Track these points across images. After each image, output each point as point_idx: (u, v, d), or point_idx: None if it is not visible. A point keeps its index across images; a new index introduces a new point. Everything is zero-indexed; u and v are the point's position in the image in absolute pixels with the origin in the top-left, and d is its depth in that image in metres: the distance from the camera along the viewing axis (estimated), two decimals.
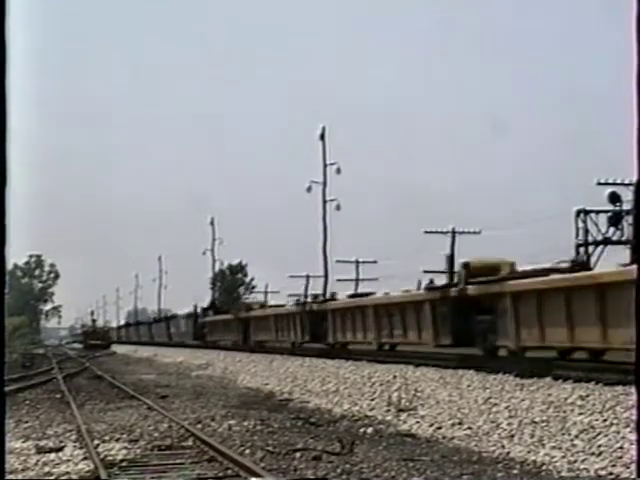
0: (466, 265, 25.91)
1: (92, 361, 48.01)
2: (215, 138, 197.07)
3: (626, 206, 24.91)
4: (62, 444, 12.80)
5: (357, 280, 60.28)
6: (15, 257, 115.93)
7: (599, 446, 10.89)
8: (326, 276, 52.47)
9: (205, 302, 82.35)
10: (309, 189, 52.36)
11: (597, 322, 18.56)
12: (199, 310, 69.55)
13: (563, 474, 9.88)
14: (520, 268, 24.43)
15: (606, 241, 26.36)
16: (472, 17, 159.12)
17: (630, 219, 24.65)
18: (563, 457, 10.58)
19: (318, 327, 38.48)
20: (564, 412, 13.44)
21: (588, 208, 25.24)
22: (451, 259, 31.18)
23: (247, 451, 11.75)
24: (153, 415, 16.62)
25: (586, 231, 24.36)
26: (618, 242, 26.16)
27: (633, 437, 10.02)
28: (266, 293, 67.29)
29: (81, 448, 12.35)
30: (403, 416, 15.36)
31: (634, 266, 22.10)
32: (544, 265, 22.85)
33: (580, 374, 16.92)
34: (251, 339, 50.23)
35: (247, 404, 18.93)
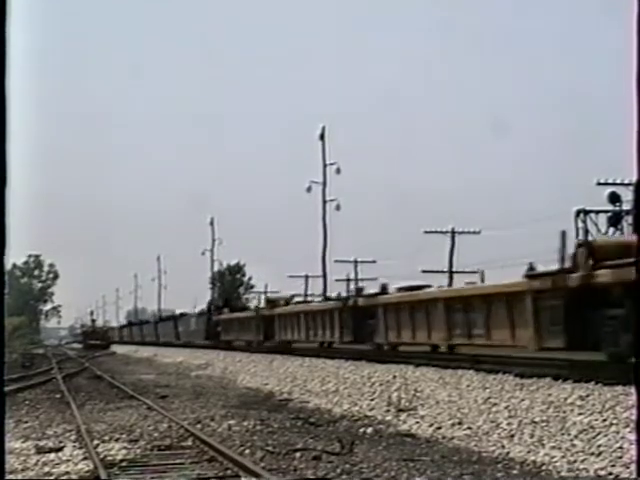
0: (587, 245, 20.58)
1: (92, 361, 48.01)
2: (215, 138, 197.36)
3: (626, 206, 24.91)
4: (62, 444, 12.80)
5: (357, 280, 60.31)
6: (14, 257, 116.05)
7: (599, 446, 10.89)
8: (325, 276, 52.55)
9: (205, 302, 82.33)
10: (309, 189, 52.46)
11: None
12: (210, 307, 66.30)
13: (563, 474, 9.88)
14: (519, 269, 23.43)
15: None
16: (472, 17, 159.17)
17: (630, 219, 24.64)
18: (563, 457, 10.58)
19: (363, 325, 33.40)
20: (564, 412, 13.44)
21: (588, 208, 25.23)
22: (450, 259, 31.16)
23: (247, 451, 11.75)
24: (153, 415, 16.62)
25: (586, 231, 24.33)
26: None
27: (633, 437, 10.02)
28: (266, 293, 67.32)
29: (81, 448, 12.34)
30: (403, 416, 15.36)
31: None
32: None
33: (580, 374, 16.90)
34: (275, 338, 45.87)
35: (247, 404, 18.93)
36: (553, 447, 11.20)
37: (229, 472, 10.13)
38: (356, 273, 65.45)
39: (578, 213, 25.57)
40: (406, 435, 13.34)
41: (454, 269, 51.32)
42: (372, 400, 18.00)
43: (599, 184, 27.42)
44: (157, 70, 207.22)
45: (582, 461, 10.32)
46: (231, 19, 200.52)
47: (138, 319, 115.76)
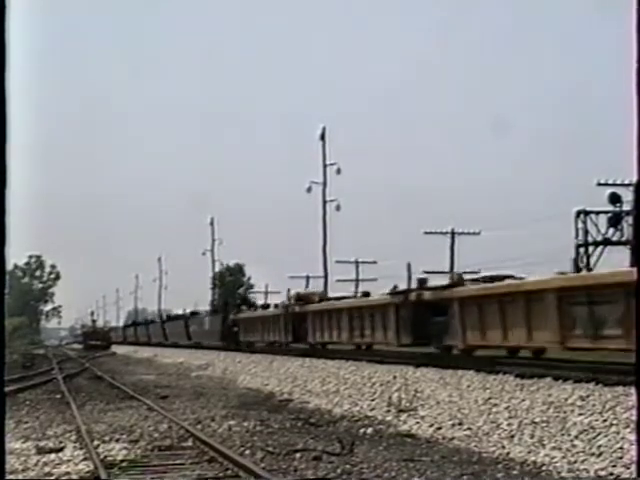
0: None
1: (92, 361, 48.02)
2: (215, 138, 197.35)
3: (626, 207, 24.92)
4: (62, 444, 12.80)
5: (357, 280, 60.33)
6: (15, 257, 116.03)
7: (599, 447, 10.89)
8: (326, 276, 52.54)
9: (206, 303, 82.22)
10: (309, 189, 52.44)
11: None
12: (227, 305, 62.06)
13: (563, 475, 9.88)
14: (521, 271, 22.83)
15: (606, 242, 26.38)
16: (472, 17, 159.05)
17: (630, 220, 24.65)
18: (563, 457, 10.58)
19: (427, 324, 27.23)
20: (564, 412, 13.44)
21: (588, 209, 25.26)
22: (451, 259, 30.86)
23: (247, 452, 11.75)
24: (153, 415, 16.62)
25: (586, 232, 24.36)
26: (618, 242, 26.19)
27: (633, 437, 10.02)
28: (266, 293, 67.33)
29: (81, 448, 12.34)
30: (403, 416, 15.36)
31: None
32: None
33: (580, 374, 16.89)
34: (307, 339, 39.74)
35: (247, 405, 18.93)
36: (553, 447, 11.20)
37: (229, 472, 10.13)
38: (357, 273, 65.49)
39: (578, 214, 25.60)
40: (406, 435, 13.33)
41: (454, 269, 51.42)
42: (372, 400, 18.00)
43: (599, 184, 27.44)
44: (157, 70, 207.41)
45: (582, 461, 10.31)
46: (231, 19, 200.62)
47: (144, 318, 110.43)
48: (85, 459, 11.42)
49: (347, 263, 64.90)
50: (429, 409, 15.82)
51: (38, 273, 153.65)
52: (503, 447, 11.62)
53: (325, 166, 51.66)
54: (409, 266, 51.67)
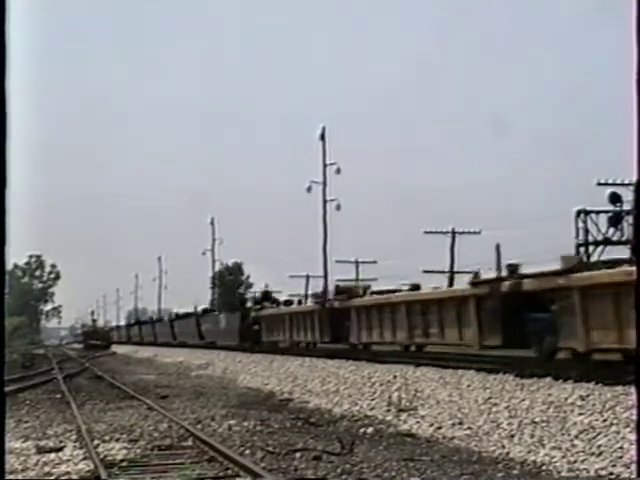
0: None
1: (92, 361, 48.03)
2: (215, 138, 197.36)
3: (626, 206, 24.92)
4: (62, 444, 12.80)
5: (357, 280, 60.30)
6: (15, 257, 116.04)
7: (599, 446, 10.89)
8: (326, 276, 52.47)
9: (205, 302, 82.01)
10: (309, 189, 52.32)
11: None
12: (244, 301, 56.97)
13: (563, 474, 9.89)
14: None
15: (606, 241, 26.39)
16: (472, 17, 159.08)
17: (630, 219, 24.65)
18: (563, 457, 10.58)
19: (523, 321, 21.34)
20: (564, 412, 13.44)
21: (588, 208, 25.25)
22: (451, 259, 30.72)
23: (247, 451, 11.75)
24: (153, 415, 16.62)
25: (586, 231, 24.36)
26: (618, 242, 26.19)
27: (633, 437, 10.03)
28: (266, 293, 67.19)
29: (81, 448, 12.35)
30: (403, 416, 15.36)
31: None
32: None
33: (580, 374, 16.88)
34: (349, 339, 34.50)
35: (247, 404, 18.93)
36: (553, 447, 11.20)
37: (229, 472, 10.13)
38: (357, 273, 65.47)
39: (578, 213, 25.59)
40: (406, 435, 13.34)
41: (454, 269, 51.47)
42: (372, 400, 18.00)
43: (599, 184, 27.42)
44: (157, 70, 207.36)
45: (582, 461, 10.32)
46: (231, 19, 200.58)
47: (149, 317, 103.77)
48: (85, 459, 11.42)
49: (347, 263, 64.87)
50: (429, 409, 15.83)
51: (38, 273, 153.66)
52: (503, 447, 11.63)
53: (325, 166, 51.59)
54: (498, 248, 38.73)
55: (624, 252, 24.54)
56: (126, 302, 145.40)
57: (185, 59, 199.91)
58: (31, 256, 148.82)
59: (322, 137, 51.31)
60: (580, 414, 13.11)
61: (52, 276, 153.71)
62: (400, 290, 32.25)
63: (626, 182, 25.95)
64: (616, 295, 17.87)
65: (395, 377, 21.21)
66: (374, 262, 64.26)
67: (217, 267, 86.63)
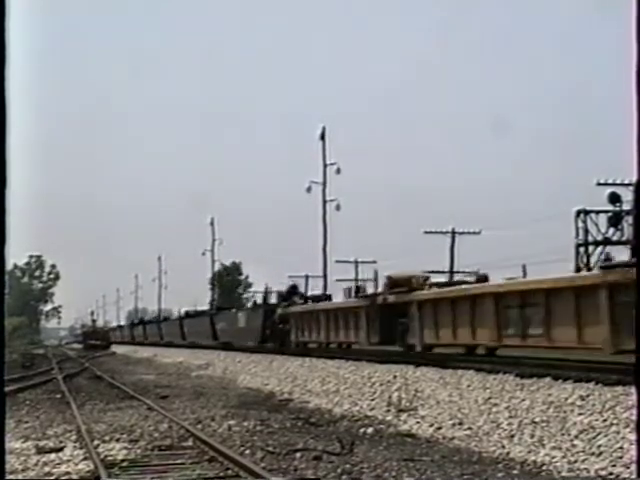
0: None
1: (92, 361, 48.02)
2: (215, 138, 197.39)
3: (626, 206, 24.92)
4: (62, 444, 12.79)
5: (357, 280, 60.28)
6: (15, 257, 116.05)
7: (599, 446, 10.89)
8: (325, 276, 52.48)
9: (205, 302, 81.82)
10: (309, 189, 52.36)
11: None
12: (266, 297, 51.26)
13: (563, 474, 9.88)
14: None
15: (606, 241, 26.38)
16: (472, 17, 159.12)
17: (630, 219, 24.65)
18: (563, 457, 10.58)
19: None
20: (564, 412, 13.44)
21: (588, 208, 25.25)
22: (451, 259, 30.47)
23: (247, 451, 11.75)
24: (153, 415, 16.62)
25: (586, 231, 24.36)
26: (618, 242, 26.19)
27: (633, 437, 10.02)
28: (266, 293, 67.16)
29: (81, 448, 12.34)
30: (403, 416, 15.36)
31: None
32: None
33: (580, 374, 16.88)
34: (407, 340, 28.65)
35: (247, 404, 18.93)
36: (553, 447, 11.20)
37: (229, 472, 10.13)
38: (357, 273, 65.46)
39: (578, 213, 25.59)
40: (406, 435, 13.33)
41: (454, 269, 51.45)
42: (372, 400, 18.00)
43: (599, 184, 27.41)
44: (157, 70, 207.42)
45: (582, 461, 10.32)
46: (231, 18, 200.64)
47: (154, 316, 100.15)
48: (85, 459, 11.42)
49: (347, 263, 64.89)
50: (429, 409, 15.82)
51: (38, 273, 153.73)
52: (503, 447, 11.62)
53: (325, 166, 51.63)
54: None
55: (624, 252, 24.54)
56: (126, 302, 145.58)
57: (185, 59, 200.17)
58: (31, 256, 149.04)
59: (322, 137, 51.34)
60: (580, 414, 13.11)
61: (52, 276, 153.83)
62: (465, 282, 27.93)
63: (626, 182, 25.93)
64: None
65: (395, 377, 21.21)
66: (374, 262, 64.20)
67: (217, 267, 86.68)
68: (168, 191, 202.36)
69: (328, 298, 42.79)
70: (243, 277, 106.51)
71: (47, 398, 21.91)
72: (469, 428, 13.39)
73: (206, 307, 75.79)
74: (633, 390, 12.86)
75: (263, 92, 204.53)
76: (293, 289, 48.21)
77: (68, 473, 10.54)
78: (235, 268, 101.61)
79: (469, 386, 18.09)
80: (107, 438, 13.33)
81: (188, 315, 72.51)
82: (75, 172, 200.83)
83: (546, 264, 22.95)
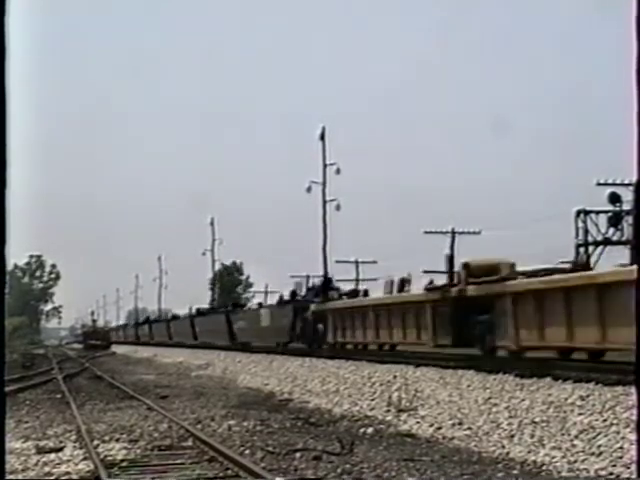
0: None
1: (92, 361, 48.03)
2: (215, 138, 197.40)
3: (626, 206, 24.92)
4: (62, 444, 12.80)
5: (357, 280, 60.25)
6: (15, 257, 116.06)
7: (599, 446, 10.89)
8: (325, 276, 52.48)
9: (205, 302, 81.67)
10: (309, 189, 52.29)
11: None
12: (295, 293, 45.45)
13: (563, 474, 9.88)
14: None
15: (606, 241, 26.39)
16: (472, 17, 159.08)
17: (630, 219, 24.65)
18: (563, 457, 10.58)
19: None
20: (564, 412, 13.44)
21: (588, 208, 25.24)
22: (451, 259, 30.21)
23: (247, 451, 11.75)
24: (153, 415, 16.62)
25: (586, 231, 24.35)
26: (618, 242, 26.20)
27: (633, 437, 10.02)
28: (266, 293, 67.14)
29: (81, 448, 12.34)
30: (403, 416, 15.36)
31: (634, 266, 18.18)
32: None
33: (580, 374, 16.88)
34: (490, 342, 23.62)
35: (247, 404, 18.93)
36: (553, 447, 11.20)
37: (229, 472, 10.13)
38: (357, 273, 65.41)
39: (578, 213, 25.57)
40: (406, 435, 13.33)
41: (454, 269, 51.31)
42: (372, 400, 17.99)
43: (599, 184, 27.41)
44: (157, 70, 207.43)
45: (582, 461, 10.31)
46: (231, 18, 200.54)
47: (162, 315, 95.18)
48: (85, 459, 11.42)
49: (347, 263, 64.81)
50: (429, 409, 15.82)
51: (38, 273, 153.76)
52: (503, 447, 11.62)
53: (325, 166, 51.56)
54: None
55: (624, 252, 24.56)
56: (126, 302, 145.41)
57: (185, 59, 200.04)
58: (31, 256, 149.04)
59: (322, 137, 51.29)
60: (580, 414, 13.11)
61: (52, 276, 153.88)
62: (558, 269, 22.80)
63: (626, 182, 25.94)
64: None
65: (395, 377, 21.21)
66: (374, 262, 64.19)
67: (217, 267, 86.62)
68: (168, 191, 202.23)
69: (365, 293, 38.87)
70: (244, 277, 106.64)
71: (47, 398, 21.91)
72: (469, 428, 13.39)
73: (206, 307, 75.32)
74: (633, 390, 12.85)
75: (263, 92, 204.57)
76: (327, 282, 42.54)
77: (68, 473, 10.54)
78: (236, 268, 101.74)
79: (469, 386, 18.09)
80: (107, 438, 13.33)
81: (200, 313, 68.04)
82: (75, 172, 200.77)
83: (546, 264, 22.90)
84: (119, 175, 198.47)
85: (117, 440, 13.16)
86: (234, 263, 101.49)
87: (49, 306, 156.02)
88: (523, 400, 15.11)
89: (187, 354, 49.78)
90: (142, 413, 17.14)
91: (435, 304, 26.59)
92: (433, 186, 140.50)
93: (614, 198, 25.65)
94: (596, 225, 25.94)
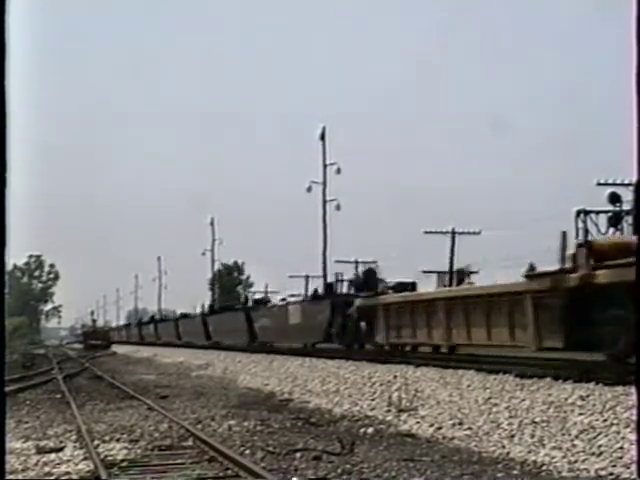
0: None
1: (92, 361, 48.03)
2: (215, 138, 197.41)
3: (626, 206, 24.90)
4: (62, 444, 12.79)
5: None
6: (15, 257, 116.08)
7: (599, 446, 10.88)
8: (325, 276, 52.47)
9: (206, 302, 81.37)
10: (309, 189, 52.39)
11: None
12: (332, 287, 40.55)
13: (563, 474, 9.88)
14: None
15: None
16: (472, 17, 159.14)
17: (630, 219, 24.62)
18: (563, 457, 10.57)
19: None
20: (564, 412, 13.44)
21: (588, 208, 25.20)
22: (451, 259, 30.08)
23: (247, 451, 11.75)
24: (153, 415, 16.61)
25: (586, 231, 24.30)
26: None
27: (633, 437, 10.03)
28: (266, 293, 67.14)
29: (81, 448, 12.34)
30: (403, 416, 15.35)
31: None
32: None
33: (580, 374, 16.87)
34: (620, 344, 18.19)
35: (247, 404, 18.93)
36: (553, 447, 11.20)
37: (229, 472, 10.13)
38: (357, 273, 65.38)
39: (578, 213, 25.55)
40: (407, 435, 13.33)
41: (454, 269, 51.42)
42: (373, 400, 17.99)
43: (599, 184, 27.39)
44: (157, 70, 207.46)
45: (583, 461, 10.31)
46: (231, 18, 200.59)
47: (182, 313, 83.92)
48: (85, 459, 11.41)
49: (347, 263, 64.80)
50: (429, 409, 15.82)
51: (38, 273, 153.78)
52: (503, 447, 11.62)
53: (325, 166, 51.67)
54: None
55: None
56: (126, 302, 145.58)
57: (185, 59, 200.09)
58: (31, 256, 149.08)
59: (322, 137, 51.37)
60: (580, 414, 13.11)
61: (51, 276, 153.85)
62: None
63: (626, 182, 25.92)
64: None
65: (395, 377, 21.21)
66: (374, 262, 64.17)
67: (217, 267, 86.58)
68: (168, 191, 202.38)
69: (413, 287, 34.81)
70: (244, 277, 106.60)
71: (47, 398, 21.90)
72: (469, 428, 13.38)
73: (206, 307, 74.99)
74: (633, 390, 12.86)
75: (263, 92, 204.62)
76: (371, 275, 37.78)
77: (68, 473, 10.53)
78: (237, 268, 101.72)
79: (469, 386, 18.09)
80: (107, 438, 13.33)
81: (213, 311, 63.76)
82: (75, 172, 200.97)
83: (546, 264, 22.90)
84: (119, 175, 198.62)
85: (117, 440, 13.16)
86: (235, 263, 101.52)
87: (49, 306, 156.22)
88: (523, 400, 15.11)
89: (187, 354, 49.79)
90: (142, 413, 17.14)
91: (538, 295, 21.52)
92: (433, 186, 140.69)
93: (614, 198, 25.61)
94: (596, 225, 25.91)
